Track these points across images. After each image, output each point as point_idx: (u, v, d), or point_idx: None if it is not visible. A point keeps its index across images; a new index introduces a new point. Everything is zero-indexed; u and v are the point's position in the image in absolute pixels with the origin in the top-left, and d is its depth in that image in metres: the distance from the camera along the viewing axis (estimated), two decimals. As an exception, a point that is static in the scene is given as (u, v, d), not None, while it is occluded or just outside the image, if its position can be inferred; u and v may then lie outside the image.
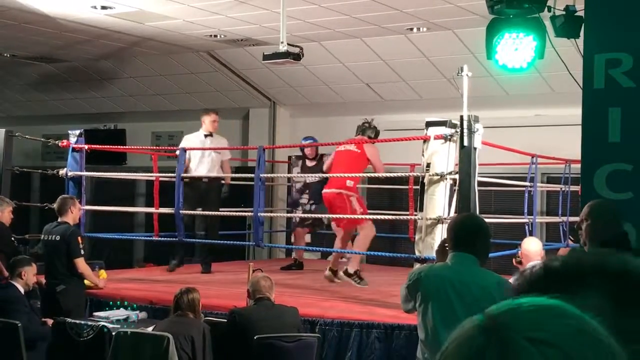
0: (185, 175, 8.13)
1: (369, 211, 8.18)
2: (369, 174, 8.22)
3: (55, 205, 7.21)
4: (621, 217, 4.08)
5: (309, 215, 9.14)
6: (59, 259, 6.87)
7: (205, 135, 8.91)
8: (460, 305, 3.72)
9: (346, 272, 7.66)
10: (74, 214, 7.12)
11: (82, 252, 6.98)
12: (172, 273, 8.72)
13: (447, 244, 4.04)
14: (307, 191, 9.60)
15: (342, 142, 7.98)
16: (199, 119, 12.50)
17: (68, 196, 7.45)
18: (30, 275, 6.48)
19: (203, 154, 8.74)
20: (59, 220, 7.07)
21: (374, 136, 8.05)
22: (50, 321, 6.33)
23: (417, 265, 6.29)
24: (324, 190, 7.90)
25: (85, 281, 7.07)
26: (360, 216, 7.57)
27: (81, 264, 6.93)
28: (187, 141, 8.85)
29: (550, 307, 0.72)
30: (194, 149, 8.88)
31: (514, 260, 6.38)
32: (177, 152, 8.59)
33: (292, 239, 9.69)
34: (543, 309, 0.72)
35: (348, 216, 7.49)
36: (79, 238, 7.01)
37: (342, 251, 7.83)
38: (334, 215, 7.78)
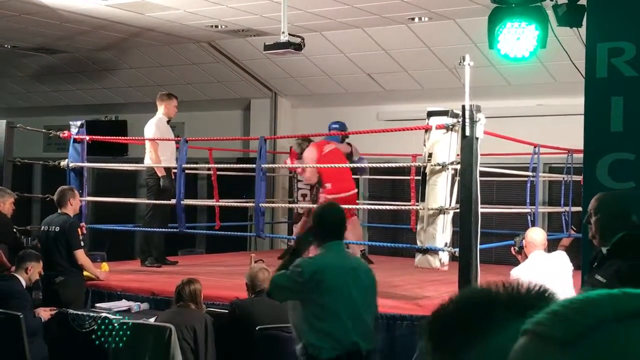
0: (187, 166, 8.10)
1: (370, 202, 8.24)
2: (374, 164, 8.12)
3: (54, 197, 7.20)
4: (631, 208, 3.94)
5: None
6: (58, 251, 6.85)
7: (168, 121, 8.55)
8: (356, 291, 4.03)
9: None
10: (74, 205, 7.11)
11: (82, 243, 6.96)
12: (171, 265, 8.67)
13: (315, 234, 4.18)
14: None
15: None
16: (202, 109, 12.57)
17: (67, 187, 7.40)
18: (35, 272, 6.44)
19: (170, 142, 8.48)
20: (59, 211, 7.06)
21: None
22: (44, 314, 6.29)
23: (419, 257, 6.28)
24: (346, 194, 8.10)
25: (85, 273, 7.06)
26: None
27: (81, 255, 6.93)
28: (159, 129, 8.42)
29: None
30: (199, 139, 8.85)
31: (512, 249, 6.38)
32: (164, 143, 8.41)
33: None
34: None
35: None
36: (79, 229, 6.99)
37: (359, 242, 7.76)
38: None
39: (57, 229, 6.89)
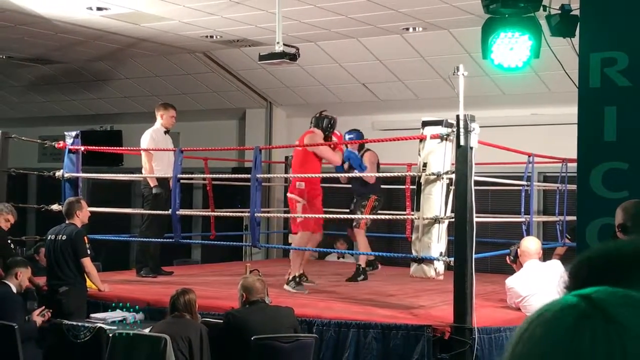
0: (182, 176, 8.09)
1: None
2: (369, 174, 8.00)
3: (63, 209, 7.19)
4: None
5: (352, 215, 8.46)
6: (64, 260, 6.83)
7: (165, 132, 8.57)
8: None
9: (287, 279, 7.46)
10: (80, 217, 7.05)
11: (89, 252, 6.96)
12: (166, 275, 8.65)
13: None
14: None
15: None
16: (197, 119, 12.57)
17: (74, 199, 7.32)
18: (24, 277, 6.48)
19: (166, 152, 8.45)
20: (67, 222, 7.05)
21: (324, 126, 7.76)
22: (37, 318, 6.31)
23: (414, 266, 6.29)
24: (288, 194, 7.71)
25: (88, 283, 7.06)
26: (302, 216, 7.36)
27: (88, 263, 6.92)
28: (153, 140, 8.43)
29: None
30: (194, 149, 8.83)
31: (507, 258, 6.38)
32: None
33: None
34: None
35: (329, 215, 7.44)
36: (85, 238, 6.98)
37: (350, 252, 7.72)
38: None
39: (64, 237, 6.88)
